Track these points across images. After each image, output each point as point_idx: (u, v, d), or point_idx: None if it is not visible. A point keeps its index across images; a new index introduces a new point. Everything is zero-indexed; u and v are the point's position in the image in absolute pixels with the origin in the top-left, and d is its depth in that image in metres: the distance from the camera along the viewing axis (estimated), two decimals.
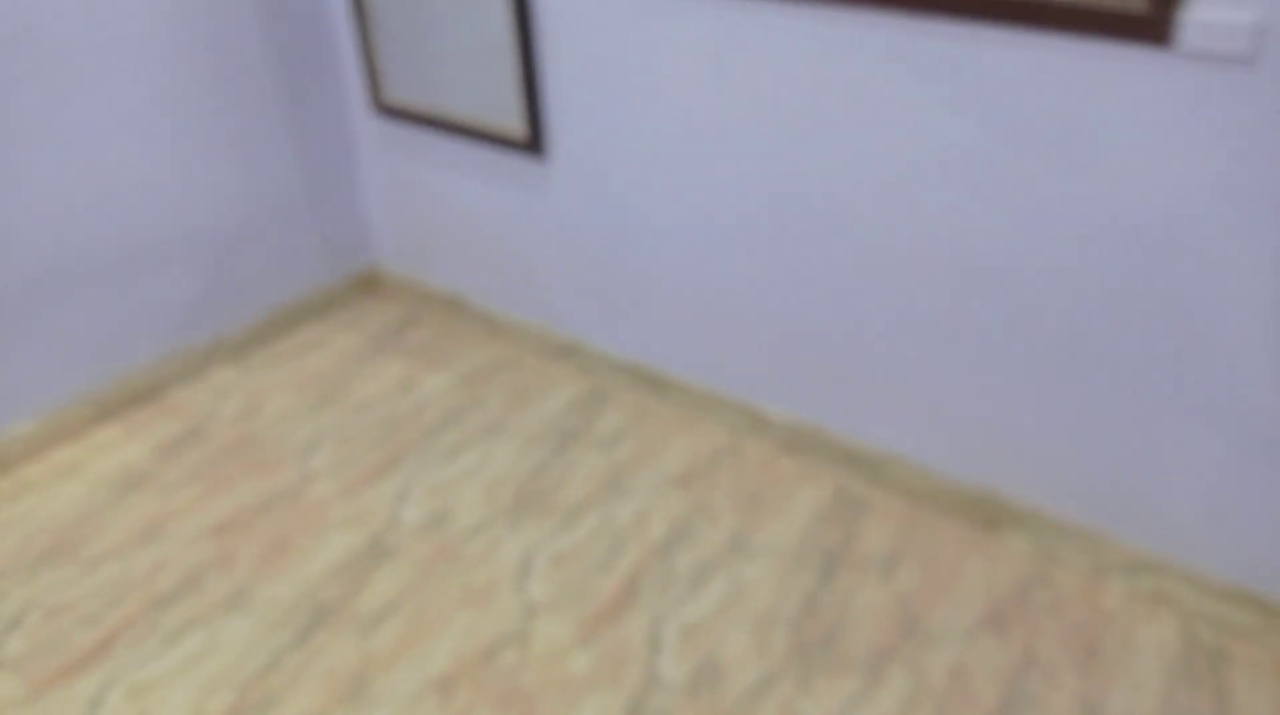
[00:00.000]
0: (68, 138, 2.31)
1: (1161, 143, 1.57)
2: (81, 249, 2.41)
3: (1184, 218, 1.60)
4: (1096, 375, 1.80)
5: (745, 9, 1.90)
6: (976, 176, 1.77)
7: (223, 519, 2.23)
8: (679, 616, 1.91)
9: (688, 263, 2.29)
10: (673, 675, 1.80)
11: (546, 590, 1.99)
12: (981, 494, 2.05)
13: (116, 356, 2.56)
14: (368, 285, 3.12)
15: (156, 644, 1.93)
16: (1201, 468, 1.77)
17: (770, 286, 2.17)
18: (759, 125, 2.00)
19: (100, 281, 2.46)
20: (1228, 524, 1.79)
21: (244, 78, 2.59)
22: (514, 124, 2.43)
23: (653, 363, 2.52)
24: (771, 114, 1.97)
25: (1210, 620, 1.85)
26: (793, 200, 2.03)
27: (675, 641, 1.86)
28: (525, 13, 2.25)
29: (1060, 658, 1.80)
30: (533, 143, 2.42)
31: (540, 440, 2.42)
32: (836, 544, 2.06)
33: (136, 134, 2.42)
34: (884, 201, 1.90)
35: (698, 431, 2.41)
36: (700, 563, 2.03)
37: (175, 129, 2.49)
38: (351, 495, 2.28)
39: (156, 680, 1.85)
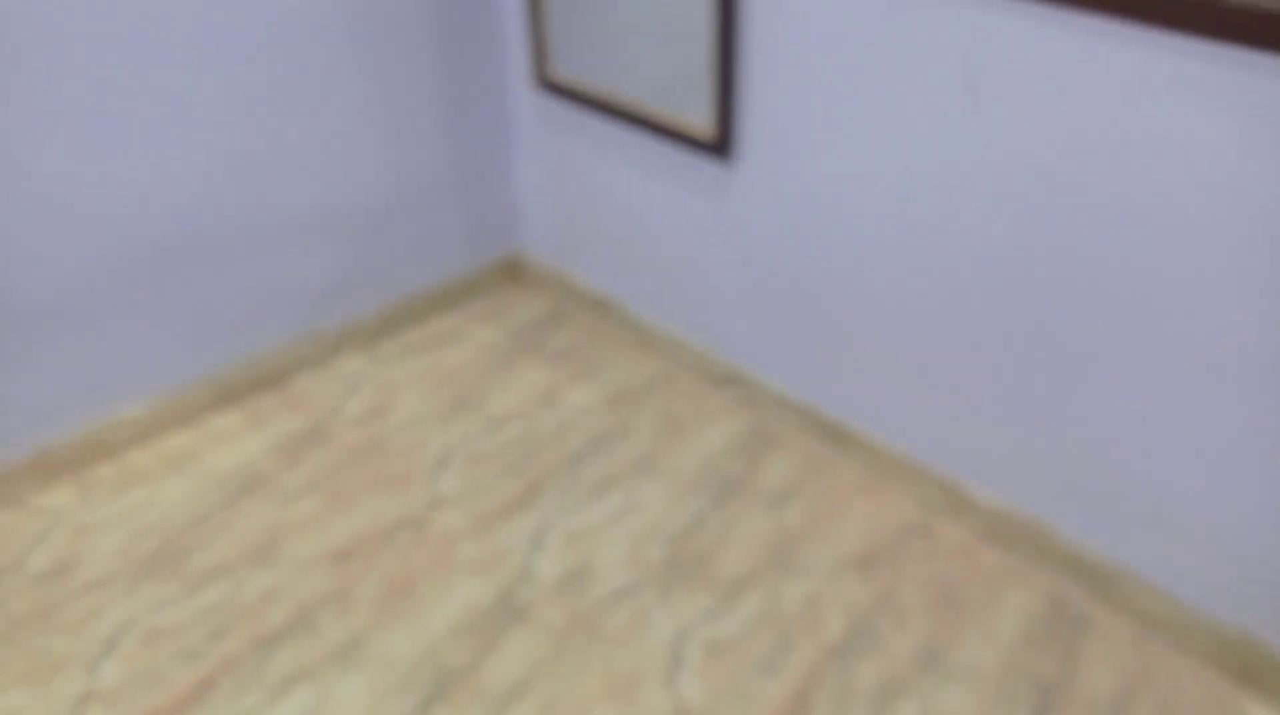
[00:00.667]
0: (205, 103, 2.06)
1: None
2: (212, 223, 2.18)
3: None
4: None
5: (1023, 15, 1.52)
6: None
7: (343, 543, 2.00)
8: None
9: (894, 301, 1.94)
10: None
11: (701, 692, 1.70)
12: (1239, 637, 1.68)
13: (240, 338, 2.34)
14: (511, 274, 2.84)
15: (259, 696, 1.71)
16: None
17: (997, 345, 1.80)
18: (1018, 156, 1.62)
19: (229, 257, 2.24)
20: None
21: (396, 42, 2.30)
22: (700, 119, 2.10)
23: (832, 408, 2.18)
24: (1038, 144, 1.59)
25: None
26: (1046, 250, 1.65)
27: None
28: None
29: None
30: (720, 143, 2.08)
31: (696, 486, 2.12)
32: (1053, 674, 1.71)
33: (278, 102, 2.17)
34: (1171, 267, 1.52)
35: (882, 500, 2.07)
36: (885, 679, 1.71)
37: (319, 97, 2.23)
38: (482, 531, 2.02)
39: None
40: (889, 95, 1.75)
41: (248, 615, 1.86)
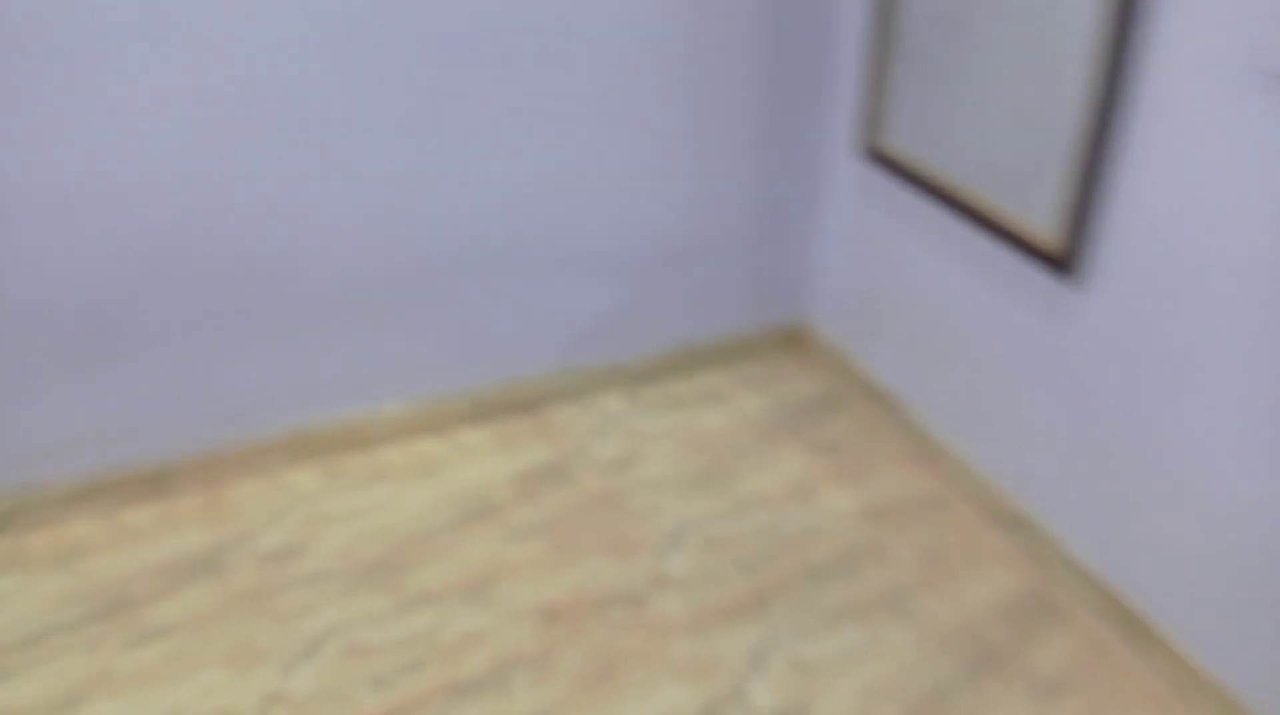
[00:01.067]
0: (518, 123, 2.01)
1: None
2: (502, 240, 2.13)
3: None
4: None
5: None
6: None
7: (556, 600, 1.88)
8: None
9: (1244, 482, 1.57)
10: None
11: None
12: None
13: (505, 357, 2.29)
14: (791, 343, 2.64)
15: None
16: None
17: None
18: None
19: (510, 276, 2.18)
20: None
21: (718, 88, 2.16)
22: (1044, 225, 1.81)
23: (1135, 590, 1.82)
24: None
25: None
26: None
27: None
28: (1113, 87, 1.60)
29: None
30: (1066, 258, 1.78)
31: (951, 646, 1.82)
32: None
33: (590, 132, 2.09)
34: None
35: None
36: None
37: (631, 133, 2.13)
38: (701, 630, 1.83)
39: None
40: None
41: (447, 655, 1.77)
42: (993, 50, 1.85)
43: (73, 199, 1.74)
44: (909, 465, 2.27)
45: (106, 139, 1.72)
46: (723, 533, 2.06)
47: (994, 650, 1.81)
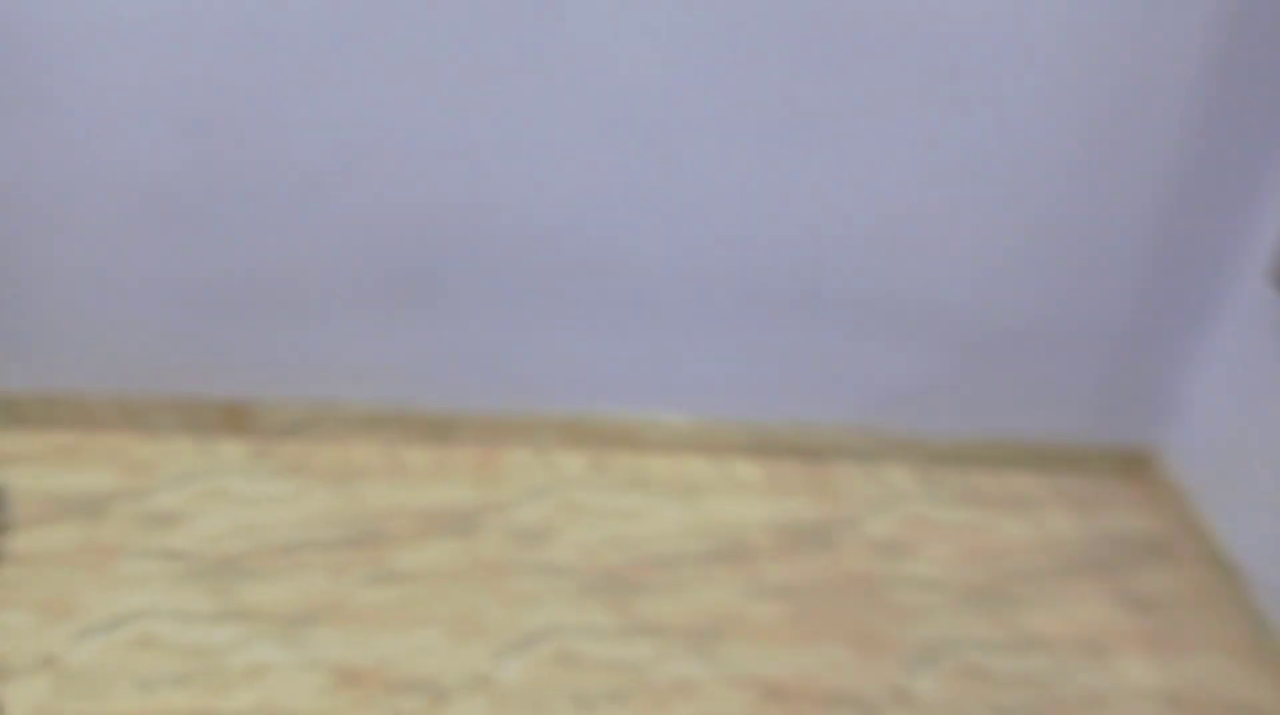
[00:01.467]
0: (877, 163, 1.84)
1: None
2: (821, 281, 1.98)
3: None
4: None
5: None
6: None
7: (781, 678, 1.72)
8: None
9: None
10: None
11: None
12: None
13: (795, 399, 2.13)
14: (1127, 467, 2.28)
15: None
16: None
17: None
18: None
19: (820, 320, 2.03)
20: None
21: (1120, 163, 1.86)
22: None
23: None
24: None
25: None
26: None
27: None
28: None
29: None
30: None
31: None
32: None
33: (946, 182, 1.87)
34: None
35: None
36: None
37: (994, 193, 1.88)
38: None
39: None
40: None
41: (654, 696, 1.67)
42: None
43: (423, 162, 1.79)
44: (1235, 655, 1.88)
45: (451, 114, 1.75)
46: (988, 665, 1.80)
47: None
